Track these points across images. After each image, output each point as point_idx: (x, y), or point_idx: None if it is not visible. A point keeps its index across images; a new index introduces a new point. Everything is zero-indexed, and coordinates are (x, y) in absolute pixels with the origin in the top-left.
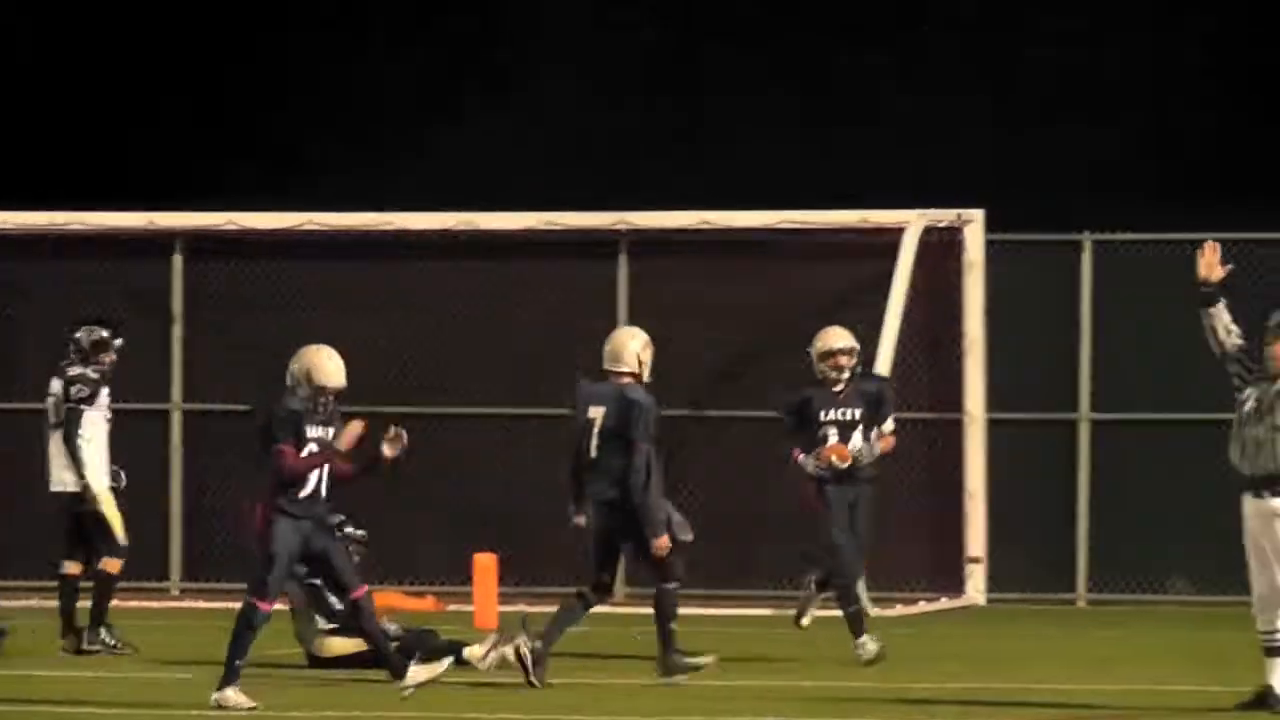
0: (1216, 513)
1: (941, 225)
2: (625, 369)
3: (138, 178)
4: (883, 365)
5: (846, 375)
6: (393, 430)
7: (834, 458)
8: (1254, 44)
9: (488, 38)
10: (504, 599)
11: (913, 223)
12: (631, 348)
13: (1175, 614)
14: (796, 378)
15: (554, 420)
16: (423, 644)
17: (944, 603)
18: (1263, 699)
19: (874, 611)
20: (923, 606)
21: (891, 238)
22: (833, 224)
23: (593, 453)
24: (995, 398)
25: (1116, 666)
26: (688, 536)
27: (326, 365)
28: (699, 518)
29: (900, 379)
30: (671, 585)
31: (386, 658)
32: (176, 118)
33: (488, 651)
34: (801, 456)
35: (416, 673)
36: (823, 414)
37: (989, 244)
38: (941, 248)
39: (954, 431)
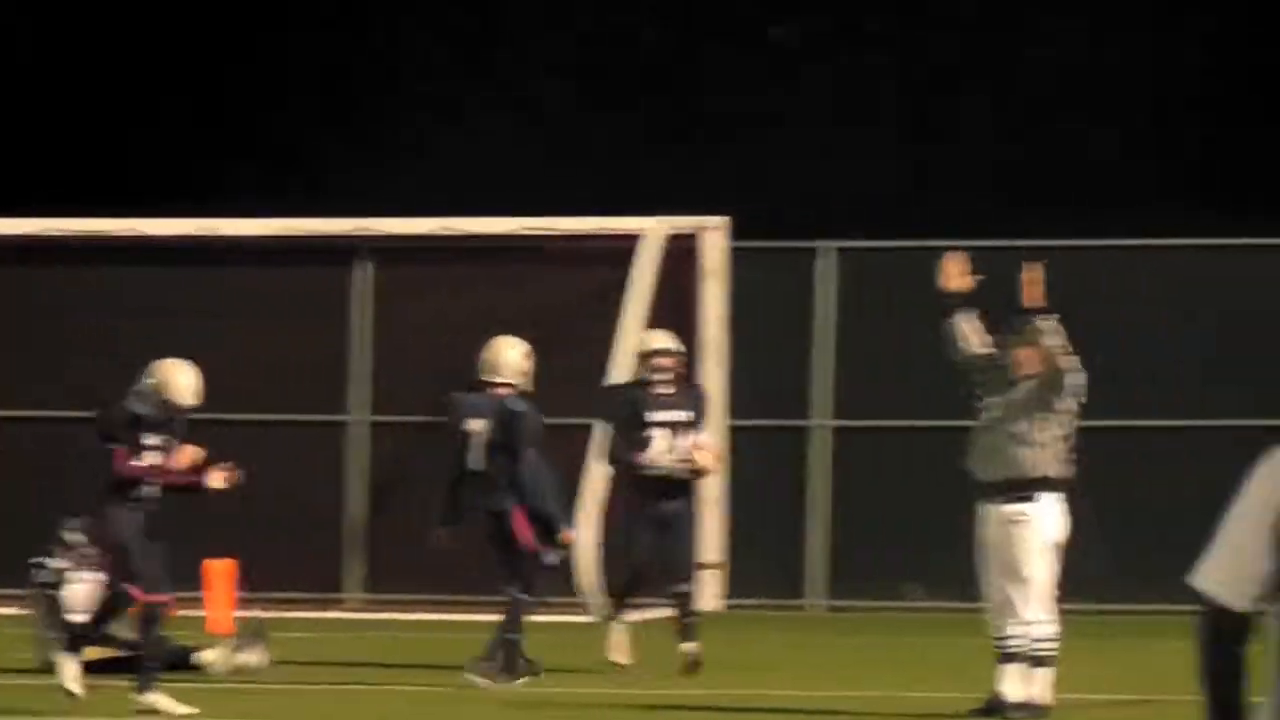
0: (953, 519)
1: (682, 233)
2: (503, 379)
3: None
4: (618, 372)
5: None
6: (228, 467)
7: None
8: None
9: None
10: (243, 604)
11: (652, 230)
12: (510, 357)
13: (912, 621)
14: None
15: (303, 427)
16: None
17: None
18: (994, 706)
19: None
20: (661, 613)
21: (633, 244)
22: (573, 231)
23: (477, 465)
24: (735, 404)
25: (854, 672)
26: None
27: (180, 382)
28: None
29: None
30: (525, 596)
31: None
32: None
33: (227, 656)
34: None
35: (159, 700)
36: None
37: (729, 251)
38: (682, 255)
39: None
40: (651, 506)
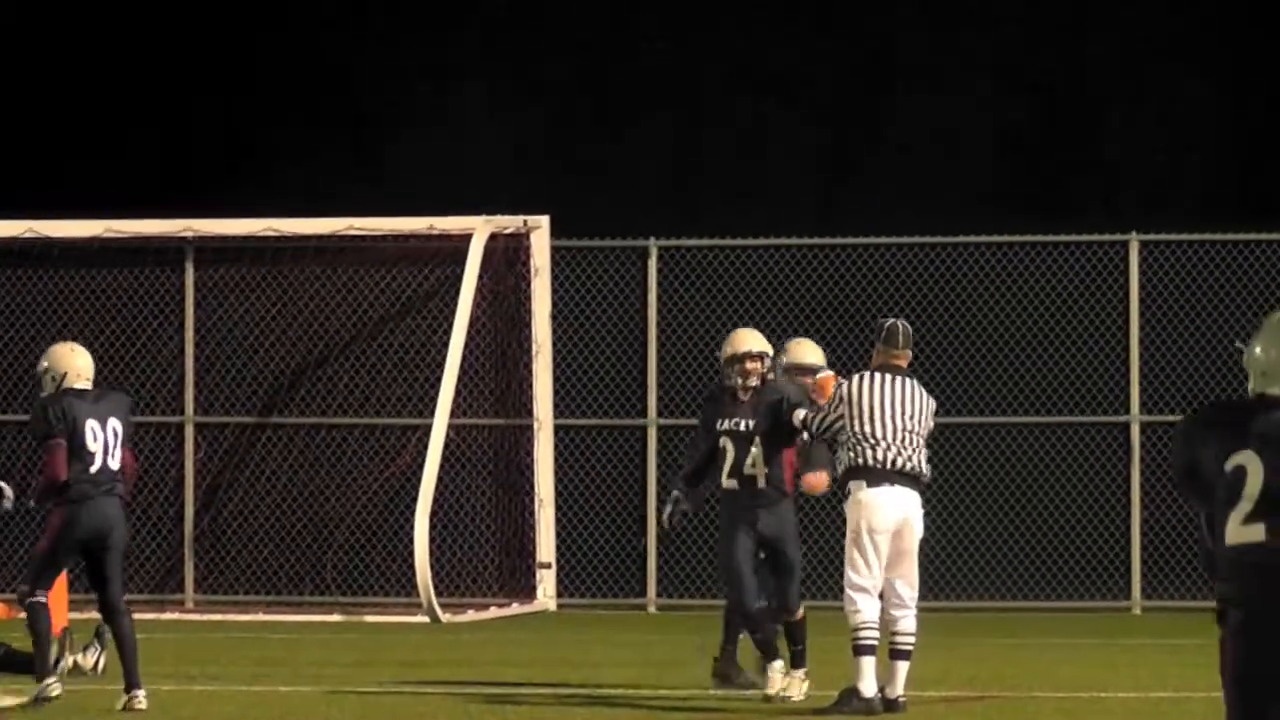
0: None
1: (508, 231)
2: None
3: None
4: (450, 372)
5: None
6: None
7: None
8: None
9: None
10: (75, 606)
11: (478, 229)
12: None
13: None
14: (373, 383)
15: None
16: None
17: (515, 608)
18: (847, 698)
19: (445, 618)
20: (494, 612)
21: (461, 244)
22: (399, 230)
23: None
24: (564, 403)
25: (684, 669)
26: None
27: (76, 362)
28: (270, 524)
29: (468, 385)
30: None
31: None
32: None
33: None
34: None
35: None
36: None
37: (556, 250)
38: (510, 254)
39: (524, 437)
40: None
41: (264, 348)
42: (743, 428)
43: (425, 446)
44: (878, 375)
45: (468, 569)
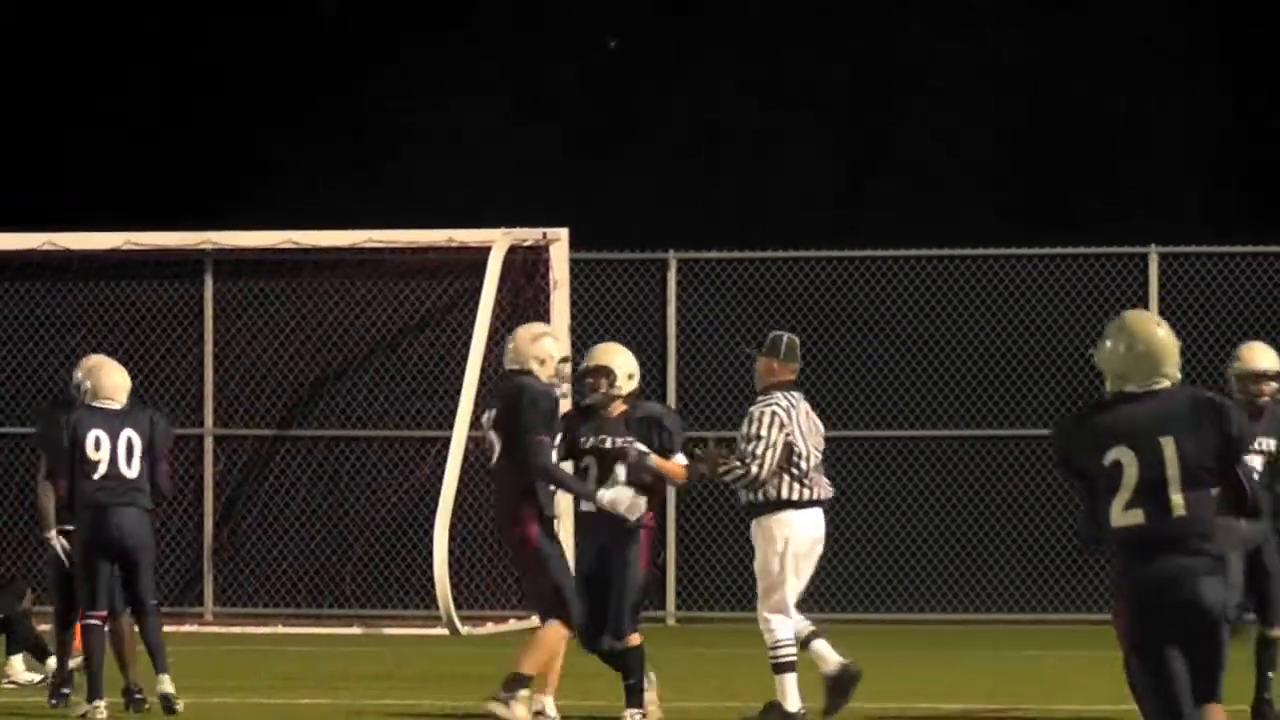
0: None
1: (527, 244)
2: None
3: None
4: (469, 384)
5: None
6: None
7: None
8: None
9: None
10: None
11: (498, 241)
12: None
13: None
14: (393, 396)
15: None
16: None
17: (535, 621)
18: (772, 714)
19: (465, 631)
20: (513, 625)
21: (480, 257)
22: (418, 243)
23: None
24: None
25: (703, 681)
26: None
27: (104, 380)
28: (289, 536)
29: (486, 396)
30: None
31: None
32: None
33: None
34: None
35: None
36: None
37: (575, 263)
38: (529, 266)
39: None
40: None
41: (283, 360)
42: (608, 445)
43: (444, 459)
44: (793, 395)
45: (487, 582)
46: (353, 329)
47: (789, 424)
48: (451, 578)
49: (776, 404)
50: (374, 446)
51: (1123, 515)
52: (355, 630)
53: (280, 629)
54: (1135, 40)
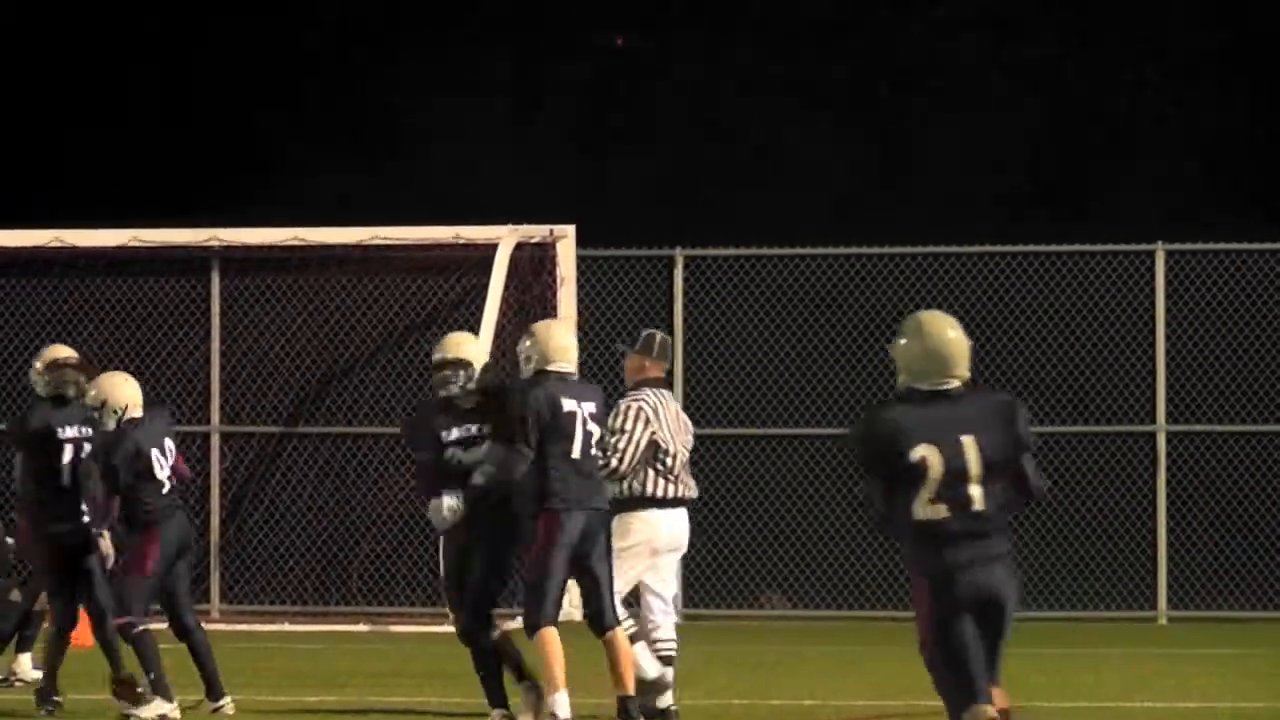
0: (812, 529)
1: (534, 241)
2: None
3: None
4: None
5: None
6: None
7: None
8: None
9: None
10: None
11: (505, 238)
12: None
13: (770, 629)
14: (399, 392)
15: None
16: None
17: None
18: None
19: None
20: (520, 623)
21: (487, 253)
22: (425, 240)
23: None
24: None
25: (709, 678)
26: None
27: (129, 392)
28: (296, 534)
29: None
30: None
31: None
32: None
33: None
34: None
35: None
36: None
37: (582, 259)
38: (535, 263)
39: None
40: None
41: (290, 357)
42: (473, 432)
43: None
44: (663, 392)
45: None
46: (359, 326)
47: (655, 421)
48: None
49: (644, 400)
50: (380, 443)
51: (926, 509)
52: (362, 628)
53: (287, 626)
54: (1137, 39)
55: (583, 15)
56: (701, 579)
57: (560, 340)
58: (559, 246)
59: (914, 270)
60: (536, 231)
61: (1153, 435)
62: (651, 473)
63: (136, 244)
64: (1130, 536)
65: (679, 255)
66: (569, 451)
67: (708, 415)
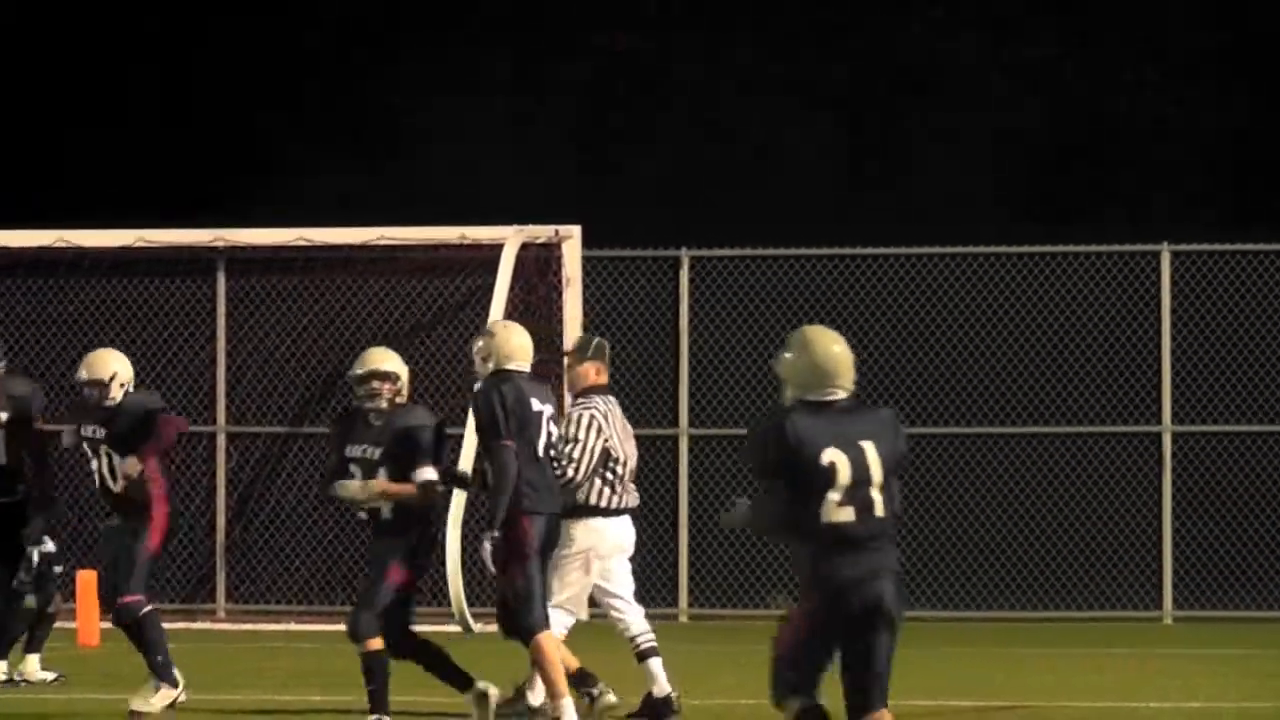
0: None
1: (540, 241)
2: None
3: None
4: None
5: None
6: None
7: None
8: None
9: None
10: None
11: (510, 238)
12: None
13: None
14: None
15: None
16: None
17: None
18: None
19: (477, 629)
20: None
21: (492, 254)
22: (430, 240)
23: None
24: None
25: (716, 679)
26: None
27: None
28: (302, 533)
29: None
30: None
31: None
32: None
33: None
34: None
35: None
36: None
37: (587, 260)
38: (541, 264)
39: None
40: None
41: (295, 358)
42: (369, 455)
43: (457, 456)
44: (609, 399)
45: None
46: (364, 326)
47: (606, 428)
48: (464, 574)
49: (595, 408)
50: None
51: (835, 512)
52: None
53: (292, 626)
54: (1139, 39)
55: (587, 15)
56: (709, 579)
57: (518, 339)
58: (565, 247)
59: (918, 271)
60: (542, 232)
61: (1159, 436)
62: (599, 482)
63: (142, 244)
64: (1136, 537)
65: (685, 256)
66: (535, 453)
67: (713, 416)
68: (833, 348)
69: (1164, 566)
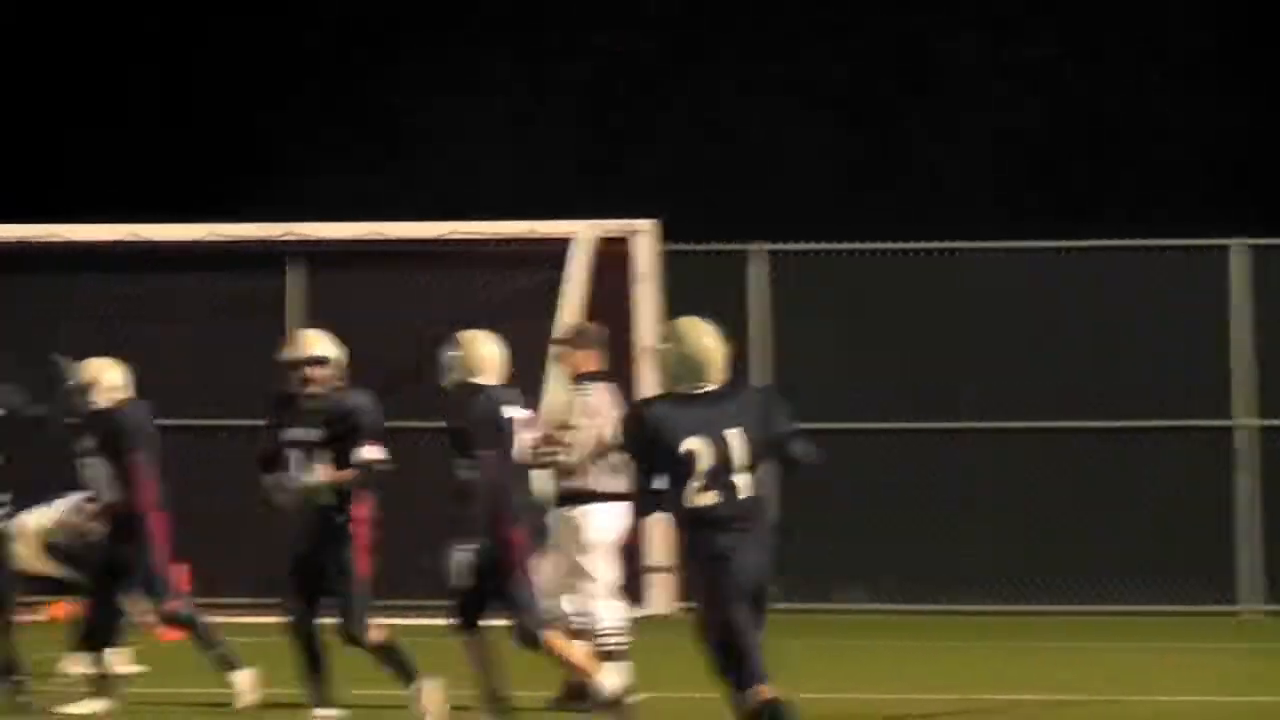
0: (888, 521)
1: (612, 235)
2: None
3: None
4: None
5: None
6: None
7: None
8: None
9: None
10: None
11: (581, 233)
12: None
13: (851, 623)
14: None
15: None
16: None
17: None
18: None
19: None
20: None
21: (563, 248)
22: (501, 235)
23: None
24: None
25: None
26: None
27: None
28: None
29: None
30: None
31: None
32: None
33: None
34: None
35: None
36: None
37: (661, 254)
38: (614, 259)
39: None
40: None
41: (376, 351)
42: (311, 437)
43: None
44: (609, 385)
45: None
46: (435, 321)
47: (603, 415)
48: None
49: (594, 394)
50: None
51: (698, 496)
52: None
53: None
54: (1139, 39)
55: (583, 15)
56: (786, 572)
57: (483, 350)
58: (637, 241)
59: (988, 266)
60: (614, 226)
61: (1229, 430)
62: (596, 468)
63: (213, 239)
64: (1208, 531)
65: (760, 250)
66: (512, 462)
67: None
68: (703, 341)
69: (1237, 560)
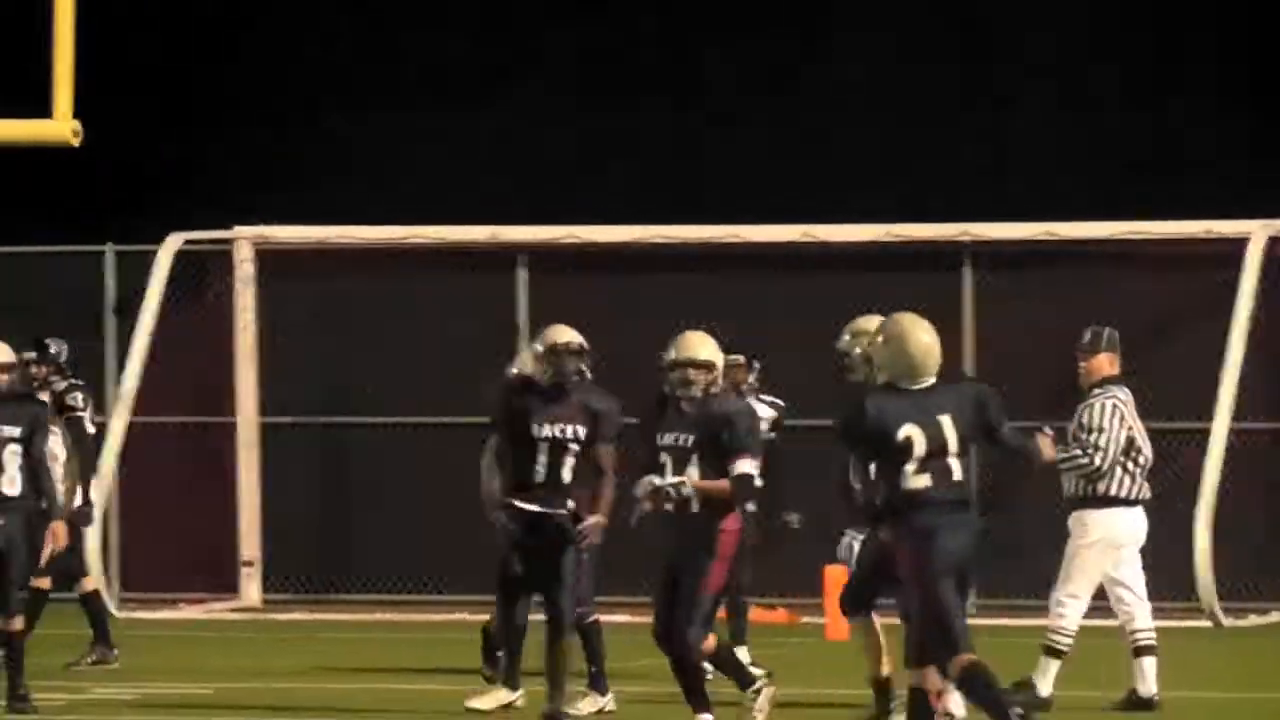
0: None
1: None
2: None
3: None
4: (1229, 378)
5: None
6: None
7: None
8: None
9: None
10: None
11: (1255, 233)
12: None
13: None
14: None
15: None
16: None
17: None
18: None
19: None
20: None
21: (1232, 249)
22: (1175, 234)
23: None
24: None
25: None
26: None
27: None
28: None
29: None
30: None
31: None
32: None
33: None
34: None
35: None
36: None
37: None
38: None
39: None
40: None
41: (1039, 354)
42: (680, 442)
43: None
44: (1127, 390)
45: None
46: (1105, 324)
47: (1129, 418)
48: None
49: (1118, 397)
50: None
51: (913, 479)
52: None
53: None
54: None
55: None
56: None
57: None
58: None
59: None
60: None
61: None
62: (1120, 471)
63: (889, 239)
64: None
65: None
66: None
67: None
68: (923, 339)
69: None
